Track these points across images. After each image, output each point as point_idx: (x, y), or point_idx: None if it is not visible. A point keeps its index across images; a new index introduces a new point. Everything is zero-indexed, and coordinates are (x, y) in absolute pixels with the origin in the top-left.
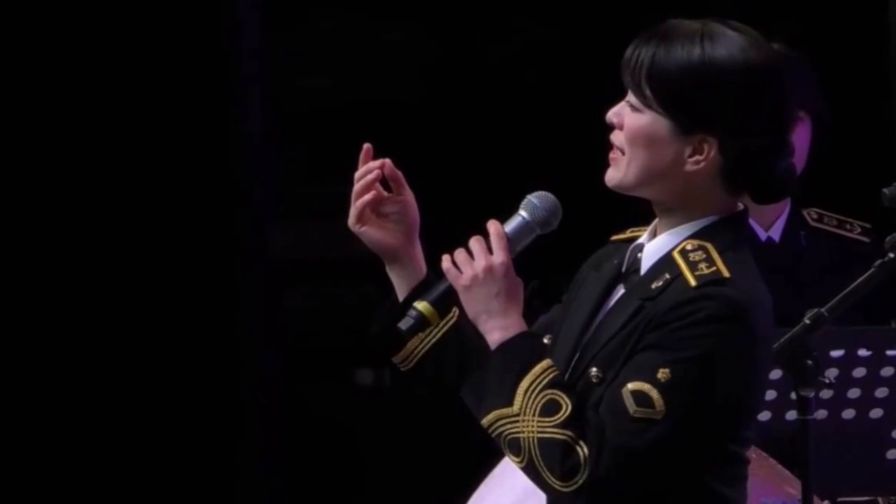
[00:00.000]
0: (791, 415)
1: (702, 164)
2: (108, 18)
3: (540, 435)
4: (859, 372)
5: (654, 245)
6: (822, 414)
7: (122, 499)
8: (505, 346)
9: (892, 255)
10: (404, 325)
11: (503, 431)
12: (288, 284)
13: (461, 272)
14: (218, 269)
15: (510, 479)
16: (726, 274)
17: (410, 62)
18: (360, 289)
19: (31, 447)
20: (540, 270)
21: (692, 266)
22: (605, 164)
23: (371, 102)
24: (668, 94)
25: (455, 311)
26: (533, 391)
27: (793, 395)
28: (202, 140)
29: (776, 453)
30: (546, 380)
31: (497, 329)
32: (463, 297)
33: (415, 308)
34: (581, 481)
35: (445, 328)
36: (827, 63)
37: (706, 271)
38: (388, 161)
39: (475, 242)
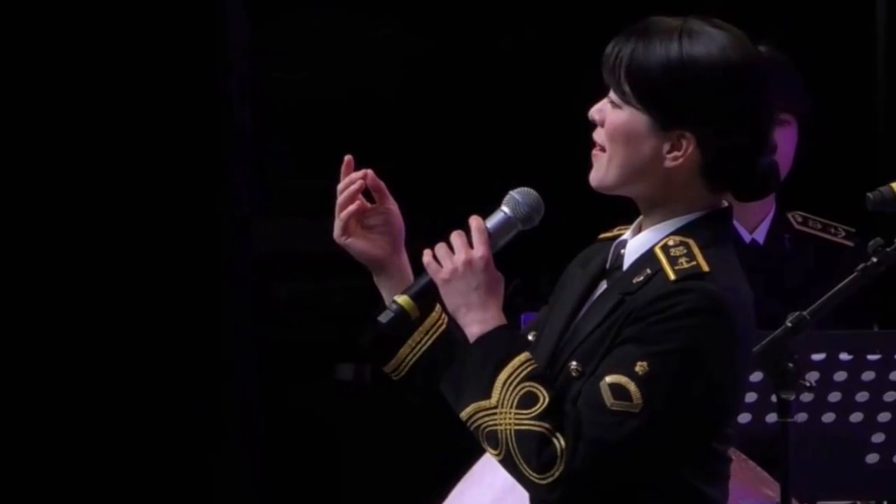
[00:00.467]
0: (771, 417)
1: (680, 160)
2: (96, 13)
3: (517, 427)
4: (840, 376)
5: (636, 241)
6: (802, 417)
7: (102, 492)
8: (483, 339)
9: (874, 259)
10: (384, 318)
11: (481, 424)
12: (270, 279)
13: (441, 266)
14: (202, 262)
15: (490, 476)
16: (706, 268)
17: (397, 58)
18: (341, 284)
19: (8, 443)
20: (523, 269)
21: (672, 261)
22: (590, 163)
23: (357, 98)
24: (647, 90)
25: (444, 318)
26: (511, 384)
27: (773, 398)
28: (188, 134)
29: (756, 455)
30: (524, 372)
31: (476, 322)
32: (443, 291)
33: (395, 301)
34: (557, 474)
35: (435, 336)
36: (813, 66)
37: (686, 266)
38: (369, 172)
39: (456, 236)
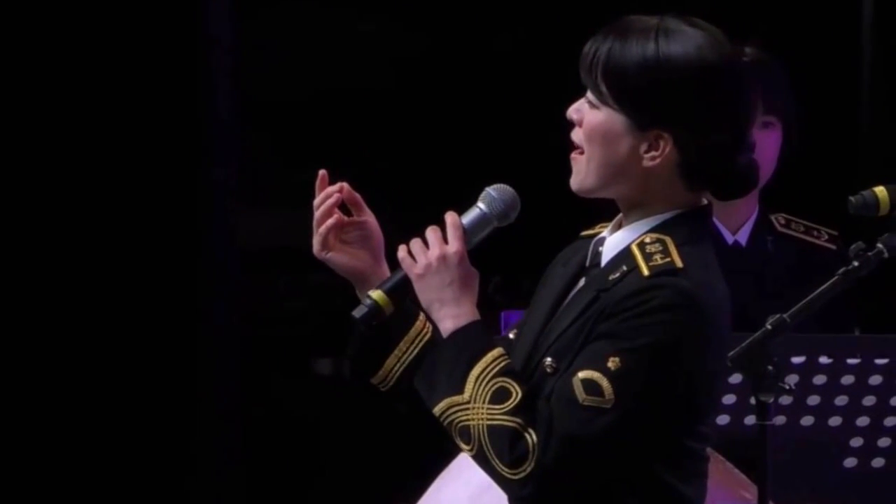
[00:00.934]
0: (749, 419)
1: (658, 160)
2: (78, 4)
3: (489, 422)
4: (819, 379)
5: (614, 239)
6: (780, 420)
7: (81, 485)
8: (457, 334)
9: (856, 263)
10: (358, 312)
11: (454, 419)
12: (250, 272)
13: (416, 261)
14: (181, 254)
15: (467, 472)
16: (680, 265)
17: (381, 53)
18: (320, 278)
19: None
20: (504, 267)
21: (647, 257)
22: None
23: (341, 93)
24: (623, 90)
25: (429, 326)
26: (483, 379)
27: (752, 400)
28: (170, 126)
29: (734, 457)
30: (497, 368)
31: (449, 318)
32: (417, 286)
33: (369, 297)
34: (529, 469)
35: (421, 345)
36: (798, 69)
37: (660, 262)
38: (345, 185)
39: (431, 232)
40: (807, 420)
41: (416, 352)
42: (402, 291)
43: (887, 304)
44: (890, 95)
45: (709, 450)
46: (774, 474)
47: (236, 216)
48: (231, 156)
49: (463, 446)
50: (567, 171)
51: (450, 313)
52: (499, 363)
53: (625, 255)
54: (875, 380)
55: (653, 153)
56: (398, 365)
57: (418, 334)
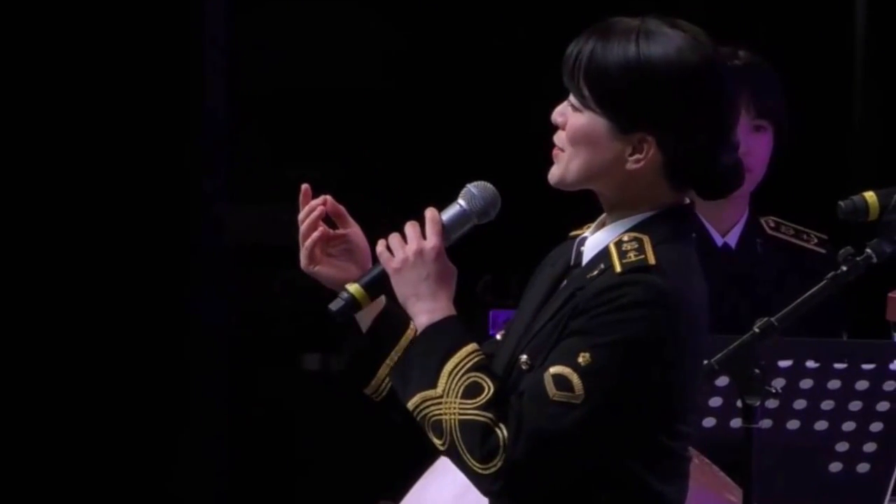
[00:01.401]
0: (736, 422)
1: (642, 163)
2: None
3: (461, 417)
4: (806, 383)
5: (595, 238)
6: (766, 423)
7: (67, 476)
8: (431, 329)
9: (844, 268)
10: (334, 306)
11: (427, 413)
12: (239, 267)
13: (393, 255)
14: (171, 250)
15: (452, 472)
16: (652, 261)
17: (374, 51)
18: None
19: None
20: (493, 266)
21: (622, 255)
22: None
23: (334, 90)
24: (605, 93)
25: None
26: (457, 373)
27: (738, 403)
28: (163, 122)
29: (719, 460)
30: (470, 363)
31: (424, 312)
32: (393, 280)
33: (346, 290)
34: (500, 464)
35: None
36: (790, 73)
37: (633, 259)
38: (328, 198)
39: (409, 227)
40: (793, 424)
41: None
42: (380, 286)
43: (875, 308)
44: (881, 100)
45: (694, 452)
46: (760, 477)
47: (227, 212)
48: (223, 153)
49: (435, 440)
50: None
51: (425, 308)
52: (472, 358)
53: (603, 253)
54: (861, 385)
55: (637, 156)
56: (390, 375)
57: (410, 343)
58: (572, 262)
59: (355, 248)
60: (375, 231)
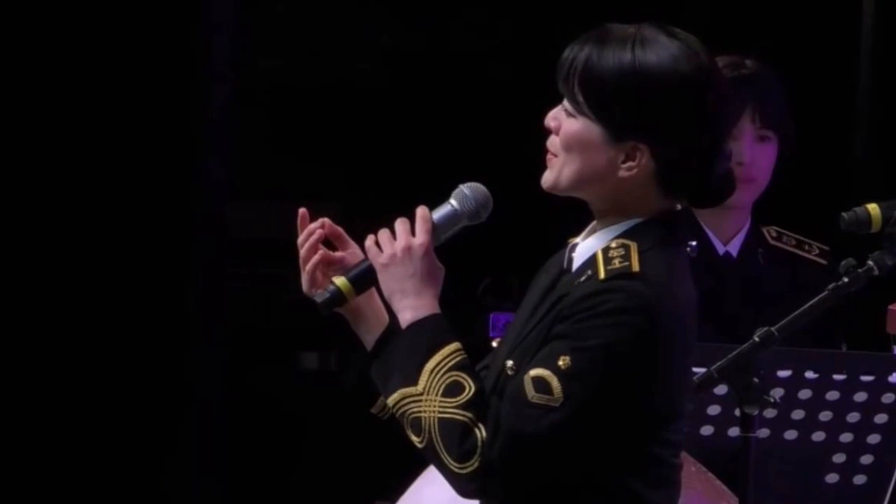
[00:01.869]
0: (733, 431)
1: (634, 171)
2: None
3: (441, 415)
4: (805, 394)
5: (585, 245)
6: (764, 433)
7: (60, 475)
8: (415, 326)
9: (845, 279)
10: (319, 297)
11: (406, 410)
12: (237, 264)
13: (382, 251)
14: (170, 244)
15: None
16: (636, 268)
17: (378, 47)
18: None
19: None
20: (493, 269)
21: (607, 261)
22: None
23: (334, 85)
24: (600, 100)
25: None
26: (438, 372)
27: (737, 412)
28: (165, 116)
29: (716, 468)
30: (452, 362)
31: (409, 309)
32: (380, 276)
33: (332, 283)
34: (476, 464)
35: None
36: (795, 84)
37: (617, 266)
38: (326, 220)
39: (399, 223)
40: (790, 434)
41: None
42: (367, 280)
43: (875, 320)
44: (886, 113)
45: (691, 460)
46: (756, 487)
47: (227, 208)
48: (224, 147)
49: (413, 438)
50: None
51: (410, 304)
52: (454, 357)
53: (591, 260)
54: (860, 396)
55: (629, 164)
56: (372, 370)
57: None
58: (563, 268)
59: None
60: (375, 228)
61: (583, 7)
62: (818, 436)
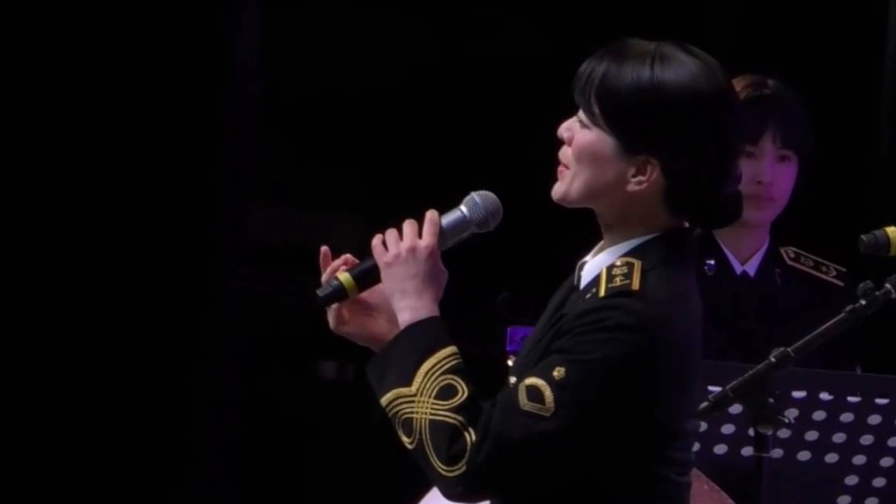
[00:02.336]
0: (747, 450)
1: (644, 185)
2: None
3: (432, 417)
4: (819, 415)
5: (593, 263)
6: (777, 453)
7: (77, 483)
8: (412, 327)
9: (863, 301)
10: (322, 291)
11: (399, 411)
12: (258, 270)
13: (387, 250)
14: (191, 249)
15: None
16: (635, 287)
17: (400, 54)
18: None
19: None
20: (511, 282)
21: (609, 279)
22: None
23: (358, 94)
24: (615, 112)
25: None
26: (433, 374)
27: (751, 432)
28: (188, 120)
29: (729, 487)
30: (448, 365)
31: (408, 309)
32: (383, 274)
33: (336, 278)
34: (464, 468)
35: None
36: (816, 105)
37: (618, 284)
38: (349, 257)
39: (407, 225)
40: (804, 455)
41: None
42: (370, 278)
43: (891, 343)
44: None
45: (704, 478)
46: None
47: (250, 214)
48: (247, 154)
49: (404, 438)
50: None
51: (409, 305)
52: (450, 361)
53: (597, 278)
54: (874, 419)
55: (640, 178)
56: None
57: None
58: (574, 286)
59: (381, 302)
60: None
61: (602, 22)
62: (831, 457)
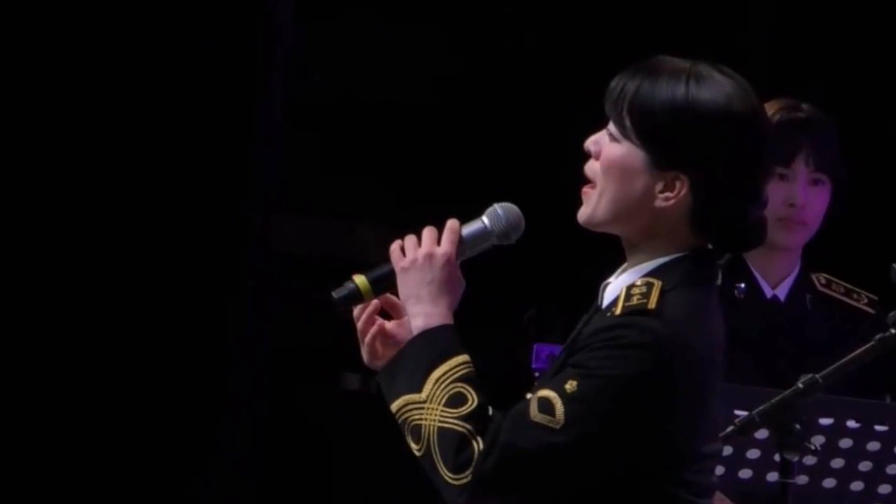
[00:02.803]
0: (772, 476)
1: (671, 202)
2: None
3: (441, 424)
4: (846, 443)
5: (616, 283)
6: (802, 479)
7: (98, 489)
8: (425, 334)
9: (892, 330)
10: (337, 293)
11: (408, 417)
12: (284, 280)
13: (405, 255)
14: (218, 259)
15: None
16: (652, 306)
17: (428, 68)
18: None
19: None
20: (539, 300)
21: (627, 298)
22: None
23: (385, 104)
24: (648, 127)
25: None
26: (443, 381)
27: (776, 457)
28: (219, 128)
29: None
30: (459, 373)
31: (422, 315)
32: (399, 279)
33: (352, 280)
34: (469, 477)
35: None
36: (849, 130)
37: (635, 303)
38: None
39: (427, 231)
40: (829, 482)
41: None
42: (385, 282)
43: None
44: None
45: (728, 502)
46: None
47: (278, 224)
48: (276, 163)
49: (412, 445)
50: None
51: (423, 311)
52: (461, 369)
53: (617, 297)
54: None
55: (667, 194)
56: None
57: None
58: (598, 306)
59: (412, 333)
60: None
61: (634, 40)
62: (856, 485)
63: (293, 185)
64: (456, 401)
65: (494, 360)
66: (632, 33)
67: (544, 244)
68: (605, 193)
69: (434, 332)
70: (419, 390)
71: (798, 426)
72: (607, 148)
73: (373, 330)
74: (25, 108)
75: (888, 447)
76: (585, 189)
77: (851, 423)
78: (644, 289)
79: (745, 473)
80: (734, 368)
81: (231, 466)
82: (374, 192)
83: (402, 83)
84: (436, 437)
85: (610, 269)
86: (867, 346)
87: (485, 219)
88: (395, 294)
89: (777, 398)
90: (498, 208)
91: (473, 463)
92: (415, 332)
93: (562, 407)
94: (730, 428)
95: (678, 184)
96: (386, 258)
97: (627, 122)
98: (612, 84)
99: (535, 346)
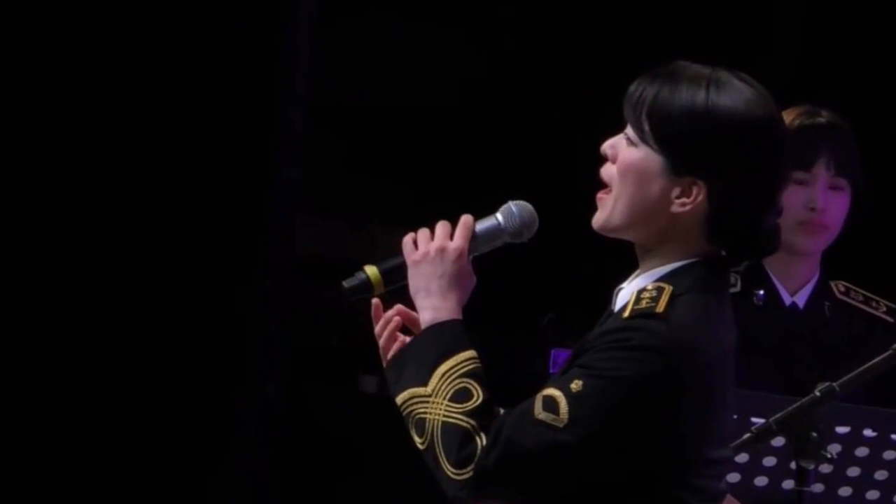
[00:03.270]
0: (788, 484)
1: (687, 207)
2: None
3: (445, 418)
4: (862, 451)
5: (628, 287)
6: (818, 488)
7: (113, 490)
8: (434, 327)
9: None
10: (348, 283)
11: (413, 410)
12: (304, 282)
13: (417, 248)
14: (238, 261)
15: None
16: (660, 310)
17: (450, 71)
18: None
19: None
20: (557, 304)
21: (637, 301)
22: None
23: (406, 107)
24: (667, 131)
25: None
26: (449, 376)
27: (792, 465)
28: (241, 128)
29: None
30: (465, 369)
31: (431, 309)
32: (410, 272)
33: (363, 270)
34: (471, 472)
35: None
36: (868, 137)
37: (644, 306)
38: (399, 307)
39: (440, 226)
40: (845, 491)
41: None
42: (397, 274)
43: None
44: None
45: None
46: None
47: (298, 226)
48: (297, 166)
49: (416, 438)
50: None
51: (432, 305)
52: (468, 364)
53: (628, 301)
54: None
55: (684, 199)
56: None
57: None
58: (611, 311)
59: None
60: None
61: (653, 45)
62: (872, 494)
63: (313, 187)
64: (461, 396)
65: (512, 364)
66: (651, 38)
67: (562, 248)
68: (621, 198)
69: (442, 327)
70: (425, 384)
71: (815, 434)
72: (624, 152)
73: (396, 346)
74: (52, 107)
75: None
76: (600, 195)
77: (868, 432)
78: (654, 293)
79: (760, 481)
80: (752, 375)
81: (248, 468)
82: (393, 194)
83: (426, 87)
84: (439, 431)
85: (627, 273)
86: (885, 354)
87: (499, 216)
88: (406, 286)
89: (794, 406)
90: (513, 206)
91: (476, 458)
92: (423, 326)
93: (566, 406)
94: (746, 435)
95: (695, 190)
96: (398, 251)
97: (646, 127)
98: (632, 88)
99: (552, 351)
